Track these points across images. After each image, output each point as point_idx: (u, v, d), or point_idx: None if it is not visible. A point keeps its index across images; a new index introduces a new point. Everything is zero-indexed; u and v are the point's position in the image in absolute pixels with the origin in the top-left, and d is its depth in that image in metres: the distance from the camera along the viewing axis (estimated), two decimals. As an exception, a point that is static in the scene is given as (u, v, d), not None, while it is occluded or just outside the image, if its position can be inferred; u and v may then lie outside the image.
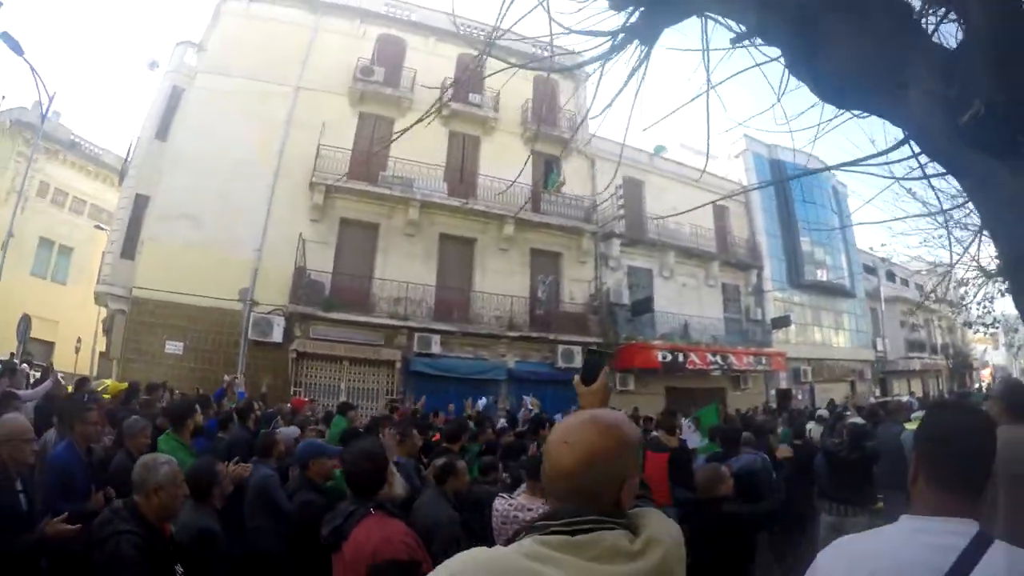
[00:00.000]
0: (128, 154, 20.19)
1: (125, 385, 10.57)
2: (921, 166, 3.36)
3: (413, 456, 5.82)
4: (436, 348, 17.22)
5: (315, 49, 19.41)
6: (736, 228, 25.93)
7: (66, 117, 32.25)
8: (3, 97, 32.35)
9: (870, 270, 33.28)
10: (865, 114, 2.93)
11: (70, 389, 10.28)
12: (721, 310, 24.30)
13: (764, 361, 23.16)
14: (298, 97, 18.67)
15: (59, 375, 13.11)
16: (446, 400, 15.09)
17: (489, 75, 3.71)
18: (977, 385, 36.47)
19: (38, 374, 14.54)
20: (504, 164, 17.80)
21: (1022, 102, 1.96)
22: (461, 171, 19.45)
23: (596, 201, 21.25)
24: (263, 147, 17.82)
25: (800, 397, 24.65)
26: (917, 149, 2.92)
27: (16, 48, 15.10)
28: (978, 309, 16.18)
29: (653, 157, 24.74)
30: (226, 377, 12.10)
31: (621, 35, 3.28)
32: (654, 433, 8.26)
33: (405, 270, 17.97)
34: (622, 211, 20.95)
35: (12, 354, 16.76)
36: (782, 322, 24.59)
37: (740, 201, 26.45)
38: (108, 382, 14.36)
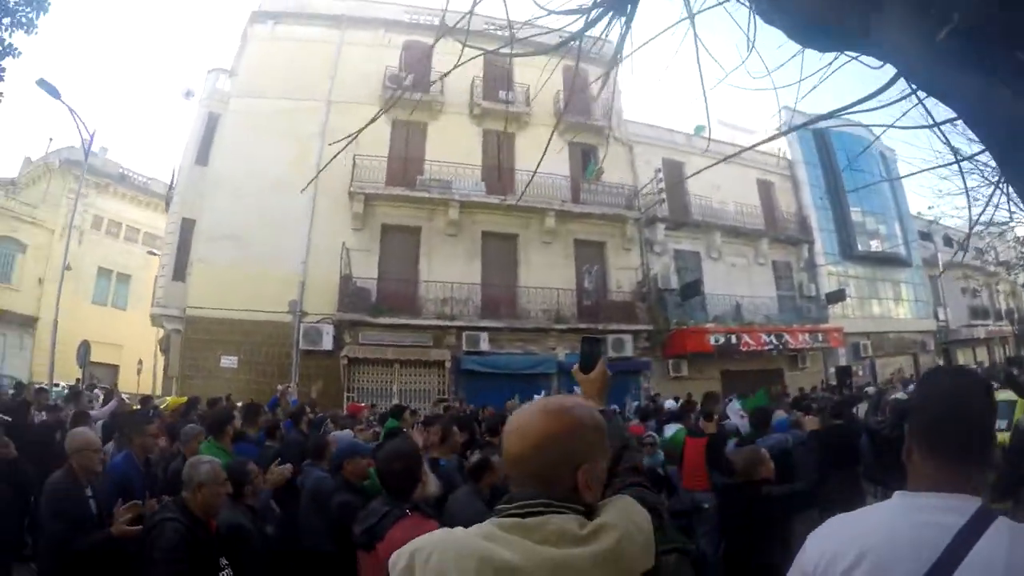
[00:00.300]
0: (172, 181, 20.77)
1: (184, 400, 10.87)
2: (920, 102, 2.88)
3: (456, 453, 5.77)
4: (485, 345, 17.21)
5: (342, 62, 19.64)
6: (783, 203, 25.25)
7: (114, 152, 33.62)
8: (51, 139, 33.72)
9: (926, 236, 32.02)
10: (853, 54, 2.64)
11: (135, 407, 10.84)
12: (773, 288, 23.66)
13: (821, 338, 22.48)
14: (330, 111, 18.85)
15: (123, 396, 13.72)
16: (498, 397, 15.09)
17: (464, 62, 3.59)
18: (1045, 350, 34.71)
19: (101, 396, 15.24)
20: (540, 157, 17.69)
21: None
22: (498, 168, 19.37)
23: (637, 187, 20.98)
24: (300, 162, 18.02)
25: (861, 373, 23.85)
26: (915, 86, 2.51)
27: (53, 92, 15.71)
28: None
29: (691, 137, 24.25)
30: (279, 387, 12.31)
31: (594, 11, 3.12)
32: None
33: (450, 270, 18.04)
34: (663, 194, 20.55)
35: (78, 380, 17.58)
36: (837, 296, 23.82)
37: (785, 175, 25.78)
38: (169, 399, 14.88)
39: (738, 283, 22.39)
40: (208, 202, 17.92)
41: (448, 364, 16.93)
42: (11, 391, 13.03)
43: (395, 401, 14.93)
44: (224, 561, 3.27)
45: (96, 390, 17.87)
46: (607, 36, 3.42)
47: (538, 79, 19.54)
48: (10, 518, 4.11)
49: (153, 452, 5.47)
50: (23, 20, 9.11)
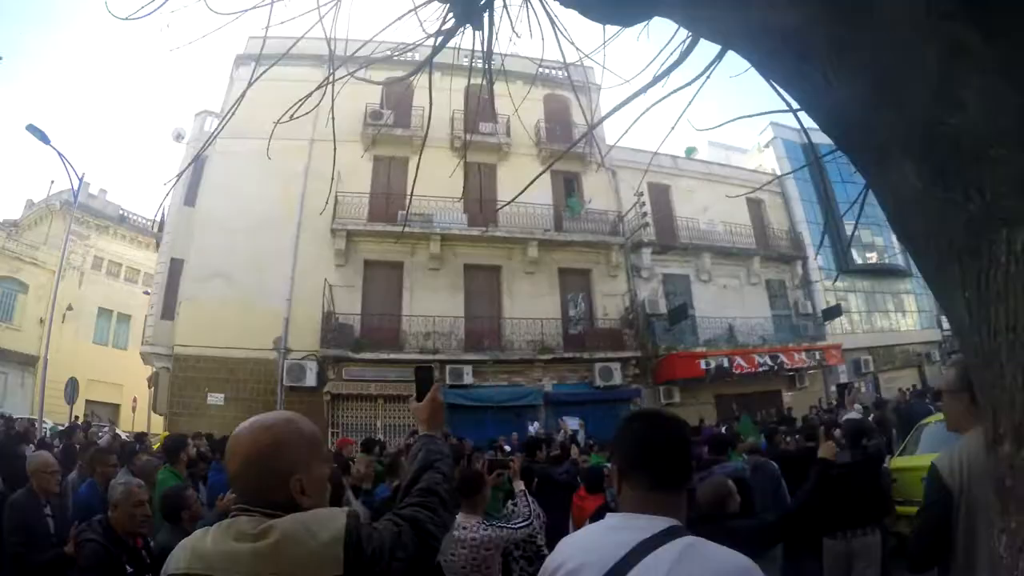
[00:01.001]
0: (160, 222, 21.10)
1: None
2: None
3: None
4: (469, 379, 17.18)
5: (325, 101, 19.77)
6: (775, 220, 25.05)
7: (114, 194, 34.28)
8: (52, 182, 34.41)
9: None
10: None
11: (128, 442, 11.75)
12: (767, 308, 23.39)
13: (819, 356, 22.16)
14: (313, 149, 18.98)
15: (116, 431, 14.05)
16: (483, 430, 15.13)
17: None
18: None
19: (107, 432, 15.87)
20: (523, 187, 17.78)
21: None
22: (480, 200, 19.45)
23: (621, 213, 20.94)
24: (285, 201, 18.34)
25: (864, 390, 23.44)
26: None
27: (43, 137, 16.12)
28: None
29: (677, 160, 24.23)
30: (252, 421, 12.48)
31: (451, 20, 2.96)
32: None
33: (433, 304, 18.13)
34: (647, 218, 20.50)
35: (76, 417, 17.91)
36: (833, 312, 23.45)
37: (775, 191, 25.61)
38: (162, 434, 15.24)
39: (730, 305, 22.18)
40: (195, 242, 18.21)
41: (431, 398, 16.89)
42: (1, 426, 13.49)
43: (379, 436, 14.95)
44: None
45: (104, 429, 18.30)
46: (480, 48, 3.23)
47: (519, 110, 19.71)
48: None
49: (113, 479, 5.75)
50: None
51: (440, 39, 3.00)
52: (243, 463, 1.44)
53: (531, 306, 18.93)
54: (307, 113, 3.30)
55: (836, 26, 1.27)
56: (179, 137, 22.88)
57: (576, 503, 6.72)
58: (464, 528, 3.91)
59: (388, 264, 18.69)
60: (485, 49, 3.10)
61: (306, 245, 18.17)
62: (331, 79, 3.31)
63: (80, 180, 18.50)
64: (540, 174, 4.91)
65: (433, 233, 18.41)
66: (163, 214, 20.64)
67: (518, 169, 19.83)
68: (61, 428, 15.53)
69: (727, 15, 1.58)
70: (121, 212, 32.27)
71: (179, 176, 3.22)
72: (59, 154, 17.03)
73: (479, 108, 20.05)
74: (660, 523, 1.43)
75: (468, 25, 2.94)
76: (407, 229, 18.31)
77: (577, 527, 6.43)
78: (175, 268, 18.91)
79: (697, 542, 1.40)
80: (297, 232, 18.21)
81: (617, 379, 18.48)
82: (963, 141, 1.12)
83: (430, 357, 17.20)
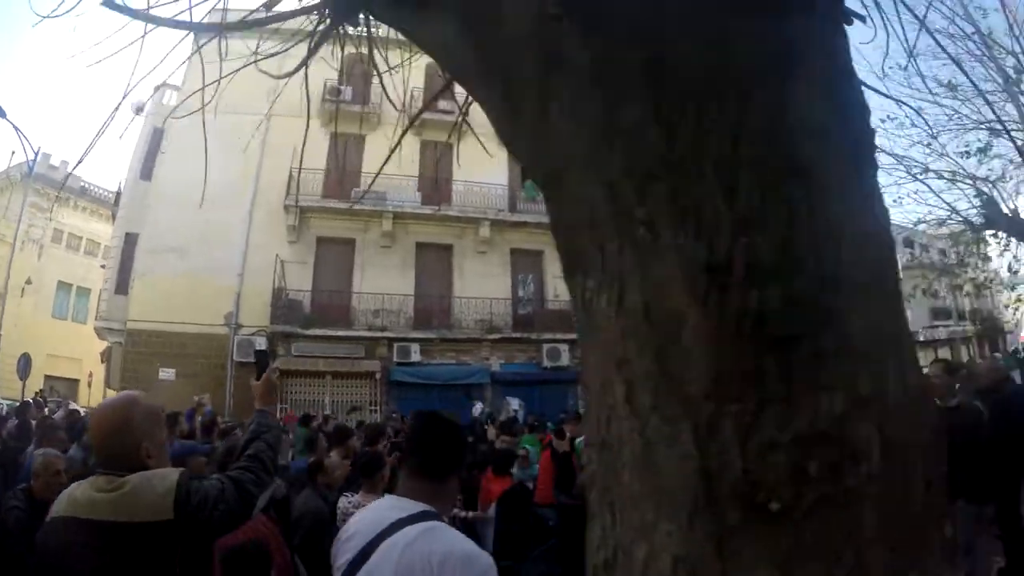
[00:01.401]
0: (117, 196, 21.05)
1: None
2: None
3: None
4: (416, 356, 17.44)
5: (293, 77, 19.82)
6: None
7: (78, 166, 33.62)
8: (12, 152, 33.90)
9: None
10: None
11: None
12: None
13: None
14: (270, 124, 19.00)
15: (72, 407, 14.20)
16: (429, 407, 15.33)
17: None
18: (1013, 348, 34.43)
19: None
20: (480, 167, 17.97)
21: None
22: (436, 179, 19.59)
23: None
24: (240, 177, 18.25)
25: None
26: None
27: (-1, 111, 15.99)
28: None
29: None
30: (195, 398, 12.75)
31: (328, 19, 2.82)
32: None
33: (383, 282, 18.29)
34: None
35: (36, 393, 17.90)
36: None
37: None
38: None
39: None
40: (150, 216, 18.19)
41: (379, 375, 17.16)
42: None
43: (327, 412, 15.17)
44: None
45: (64, 408, 18.28)
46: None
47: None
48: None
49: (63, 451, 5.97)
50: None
51: (318, 37, 2.96)
52: (102, 436, 1.88)
53: (481, 285, 19.16)
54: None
55: (478, 46, 1.10)
56: (138, 110, 22.73)
57: (484, 485, 6.67)
58: (364, 507, 4.17)
59: (340, 241, 18.85)
60: (368, 40, 3.16)
61: (259, 221, 18.30)
62: (222, 60, 3.25)
63: (36, 152, 18.46)
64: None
65: (386, 211, 18.55)
66: (119, 187, 20.66)
67: (476, 148, 19.82)
68: (16, 404, 15.53)
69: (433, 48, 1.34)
70: (82, 184, 31.76)
71: (91, 146, 3.34)
72: (15, 127, 16.96)
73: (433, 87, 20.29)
74: (416, 507, 1.73)
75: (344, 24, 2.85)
76: (359, 207, 18.45)
77: (483, 508, 6.50)
78: (130, 242, 18.87)
79: (437, 527, 1.70)
80: (251, 207, 18.28)
81: (565, 360, 18.75)
82: (550, 167, 0.98)
83: (378, 334, 17.45)
